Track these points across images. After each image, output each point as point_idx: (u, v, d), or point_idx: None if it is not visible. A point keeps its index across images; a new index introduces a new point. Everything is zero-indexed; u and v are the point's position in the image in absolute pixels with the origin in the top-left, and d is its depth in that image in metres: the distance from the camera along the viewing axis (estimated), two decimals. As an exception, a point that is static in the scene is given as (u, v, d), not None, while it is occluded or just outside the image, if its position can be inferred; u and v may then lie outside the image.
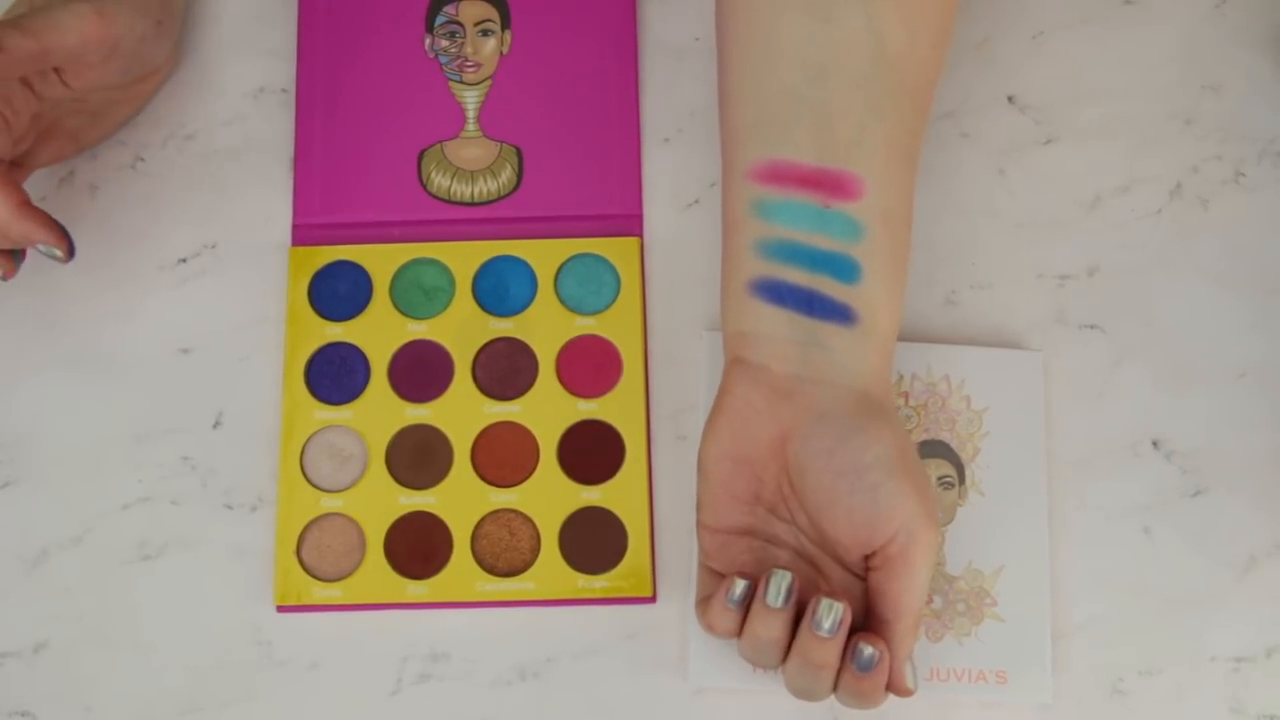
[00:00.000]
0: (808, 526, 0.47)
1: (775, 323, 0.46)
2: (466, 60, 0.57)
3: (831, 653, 0.44)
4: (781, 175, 0.47)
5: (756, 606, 0.45)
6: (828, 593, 0.45)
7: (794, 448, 0.46)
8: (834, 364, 0.46)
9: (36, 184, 0.57)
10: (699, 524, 0.48)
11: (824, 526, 0.46)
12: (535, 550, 0.52)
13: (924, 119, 0.49)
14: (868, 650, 0.44)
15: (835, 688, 0.46)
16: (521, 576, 0.52)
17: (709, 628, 0.47)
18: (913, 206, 0.49)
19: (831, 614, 0.44)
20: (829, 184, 0.47)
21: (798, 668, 0.45)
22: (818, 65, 0.47)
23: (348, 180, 0.55)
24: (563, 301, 0.55)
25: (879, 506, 0.44)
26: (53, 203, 0.56)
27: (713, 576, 0.48)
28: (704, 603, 0.47)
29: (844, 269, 0.46)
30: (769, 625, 0.45)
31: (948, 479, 0.52)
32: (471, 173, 0.56)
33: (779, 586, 0.45)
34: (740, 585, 0.46)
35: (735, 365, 0.47)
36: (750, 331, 0.47)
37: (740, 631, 0.46)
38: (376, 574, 0.52)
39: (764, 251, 0.47)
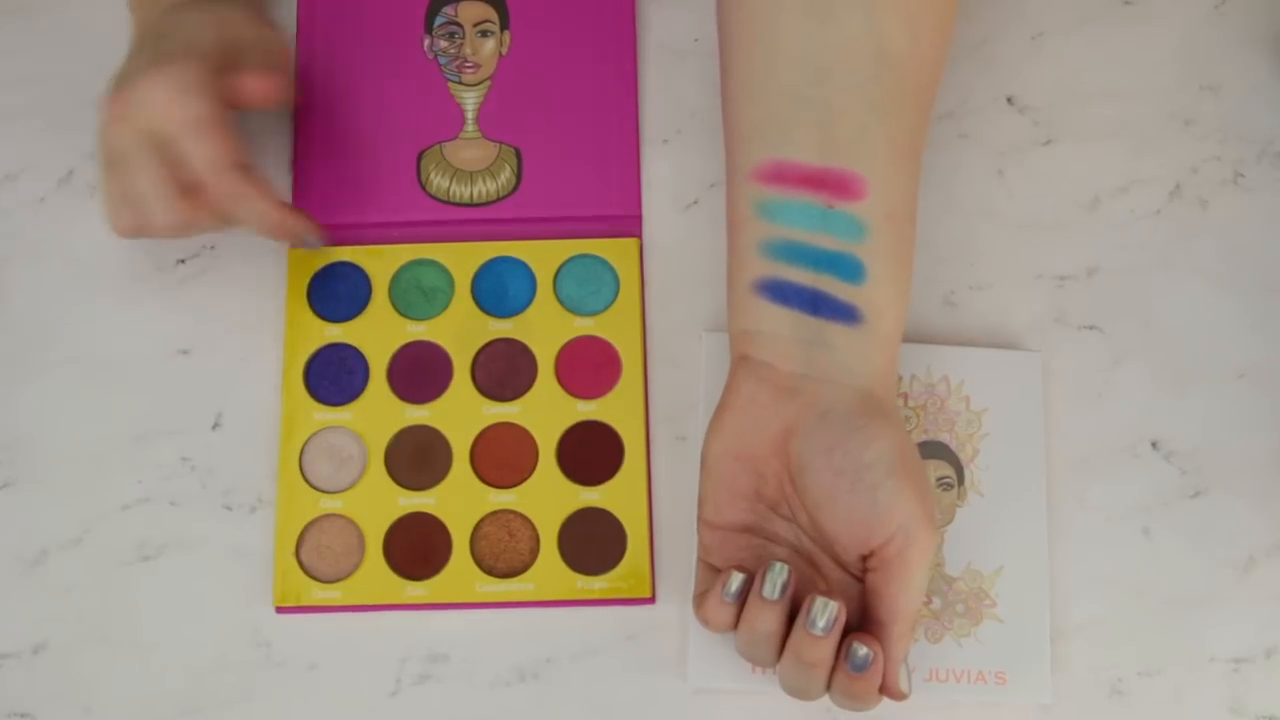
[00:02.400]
0: (808, 525, 0.47)
1: (780, 322, 0.47)
2: (465, 61, 0.57)
3: (825, 651, 0.45)
4: (784, 176, 0.47)
5: (752, 599, 0.45)
6: (824, 592, 0.46)
7: (796, 445, 0.46)
8: (838, 363, 0.46)
9: (35, 183, 0.57)
10: (700, 519, 0.48)
11: (823, 525, 0.46)
12: (534, 551, 0.52)
13: (926, 118, 0.50)
14: (862, 651, 0.45)
15: (829, 688, 0.46)
16: (521, 577, 0.52)
17: (706, 621, 0.47)
18: (917, 205, 0.49)
19: (826, 612, 0.44)
20: (832, 184, 0.47)
21: (792, 665, 0.45)
22: (819, 66, 0.47)
23: (347, 181, 0.55)
24: (562, 302, 0.55)
25: (878, 506, 0.45)
26: (53, 203, 0.57)
27: (712, 572, 0.48)
28: (702, 597, 0.47)
29: (848, 269, 0.47)
30: (764, 618, 0.45)
31: (947, 480, 0.52)
32: (470, 173, 0.56)
33: (775, 579, 0.45)
34: (737, 579, 0.46)
35: (740, 363, 0.47)
36: (755, 330, 0.47)
37: (736, 626, 0.46)
38: (376, 575, 0.52)
39: (768, 251, 0.47)
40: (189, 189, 0.50)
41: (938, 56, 0.50)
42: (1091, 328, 0.55)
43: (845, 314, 0.46)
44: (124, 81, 0.49)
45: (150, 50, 0.50)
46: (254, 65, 0.52)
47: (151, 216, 0.50)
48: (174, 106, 0.48)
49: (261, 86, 0.51)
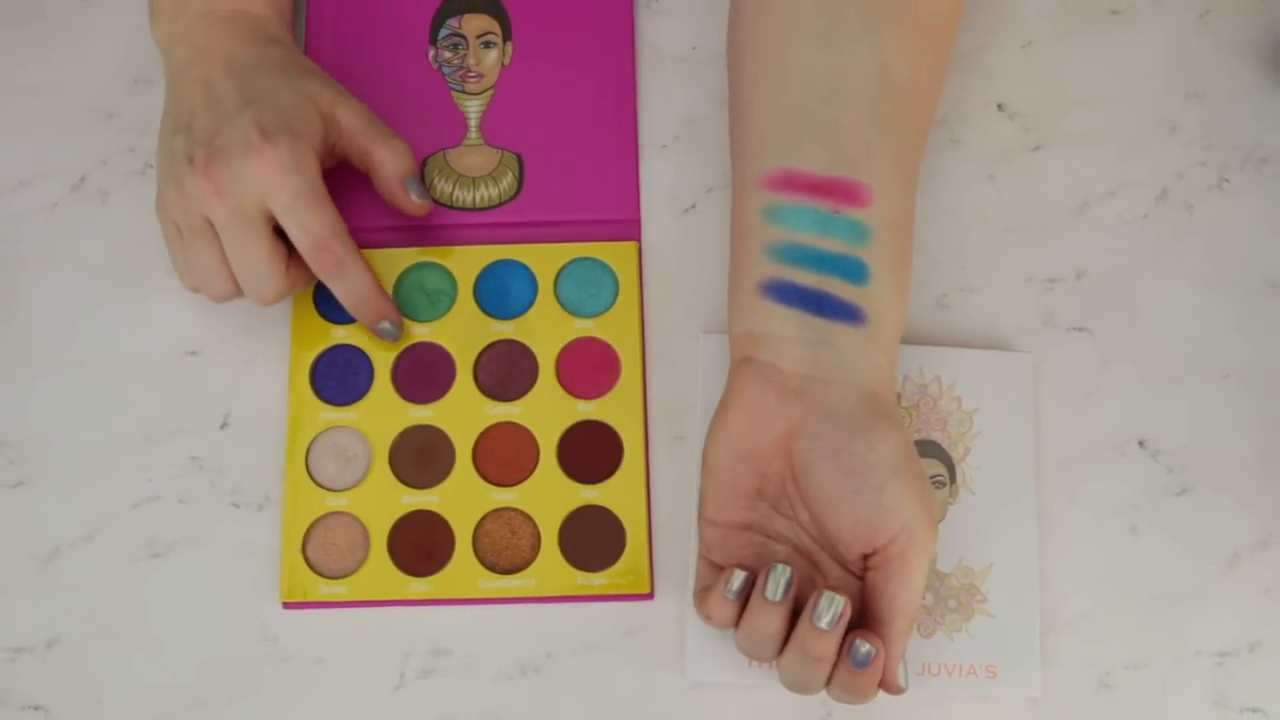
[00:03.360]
0: (809, 524, 0.48)
1: (785, 323, 0.47)
2: (469, 71, 0.58)
3: (829, 646, 0.45)
4: (792, 183, 0.48)
5: (755, 599, 0.46)
6: (827, 588, 0.46)
7: (801, 446, 0.46)
8: (842, 364, 0.47)
9: (47, 189, 0.57)
10: (701, 517, 0.48)
11: (826, 524, 0.46)
12: (535, 548, 0.53)
13: (924, 138, 0.51)
14: (864, 647, 0.45)
15: (829, 682, 0.46)
16: (522, 574, 0.53)
17: (708, 617, 0.47)
18: (914, 219, 0.50)
19: (832, 607, 0.45)
20: (840, 191, 0.47)
21: (795, 659, 0.46)
22: (828, 87, 0.48)
23: (353, 186, 0.56)
24: (562, 304, 0.55)
25: (882, 507, 0.45)
26: (65, 208, 0.57)
27: (712, 569, 0.48)
28: (703, 593, 0.48)
29: (853, 270, 0.47)
30: (766, 619, 0.46)
31: (939, 478, 0.53)
32: (473, 179, 0.57)
33: (778, 581, 0.46)
34: (739, 577, 0.46)
35: (744, 364, 0.48)
36: (760, 331, 0.47)
37: (737, 623, 0.47)
38: (380, 571, 0.53)
39: (774, 254, 0.48)
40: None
41: (935, 87, 0.51)
42: (1080, 329, 0.55)
43: (849, 314, 0.47)
44: (215, 155, 0.49)
45: (229, 116, 0.50)
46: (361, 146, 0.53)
47: (261, 287, 0.51)
48: (286, 182, 0.49)
49: (418, 208, 0.54)
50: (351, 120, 0.53)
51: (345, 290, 0.52)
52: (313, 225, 0.50)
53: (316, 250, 0.50)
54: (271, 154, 0.49)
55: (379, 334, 0.54)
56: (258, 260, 0.50)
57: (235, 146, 0.49)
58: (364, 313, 0.53)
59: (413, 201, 0.53)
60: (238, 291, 0.52)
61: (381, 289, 0.53)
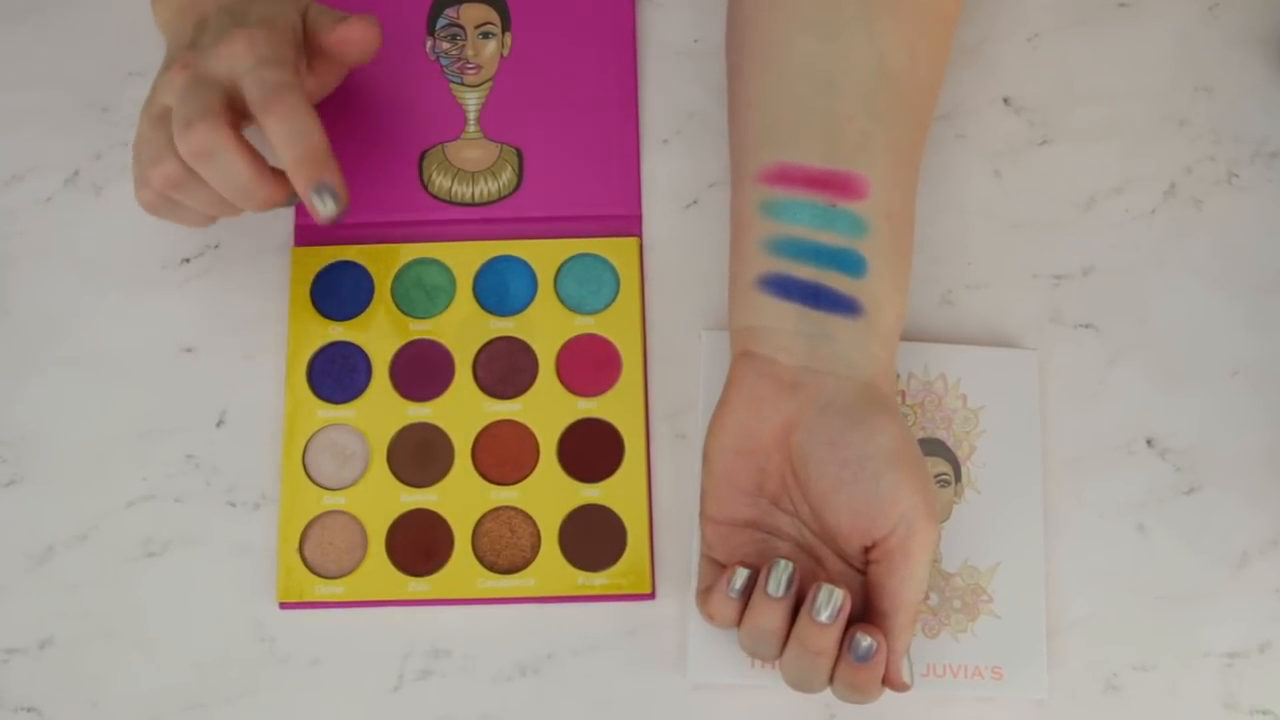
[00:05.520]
0: (809, 518, 0.47)
1: (782, 316, 0.47)
2: (467, 63, 0.58)
3: (829, 640, 0.45)
4: (790, 176, 0.48)
5: (757, 596, 0.46)
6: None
7: (798, 438, 0.46)
8: (839, 355, 0.47)
9: (41, 183, 0.57)
10: (702, 515, 0.48)
11: (825, 517, 0.46)
12: (535, 548, 0.53)
13: (925, 130, 0.51)
14: (865, 641, 0.45)
15: (832, 679, 0.46)
16: (522, 573, 0.52)
17: (710, 617, 0.47)
18: (914, 210, 0.50)
19: (831, 601, 0.45)
20: (836, 184, 0.48)
21: (795, 655, 0.46)
22: (825, 78, 0.48)
23: (349, 181, 0.55)
24: (562, 301, 0.55)
25: (880, 497, 0.45)
26: (58, 202, 0.57)
27: (715, 567, 0.48)
28: (706, 593, 0.48)
29: (850, 263, 0.47)
30: (769, 615, 0.45)
31: (944, 477, 0.53)
32: (472, 174, 0.56)
33: (780, 576, 0.45)
34: (742, 575, 0.46)
35: (743, 359, 0.48)
36: (758, 325, 0.48)
37: (740, 621, 0.47)
38: (378, 571, 0.52)
39: (772, 248, 0.48)
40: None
41: (936, 76, 0.51)
42: (1087, 326, 0.55)
43: (846, 306, 0.47)
44: (192, 48, 0.48)
45: (215, 27, 0.49)
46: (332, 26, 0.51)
47: (195, 125, 0.46)
48: (253, 51, 0.47)
49: (360, 34, 0.51)
50: (314, 13, 0.51)
51: (290, 136, 0.47)
52: (270, 79, 0.47)
53: (269, 97, 0.47)
54: (244, 34, 0.48)
55: (315, 206, 0.48)
56: (200, 103, 0.46)
57: (210, 41, 0.48)
58: (304, 165, 0.47)
59: (346, 31, 0.51)
60: (181, 169, 0.47)
61: (329, 150, 0.48)
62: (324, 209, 0.48)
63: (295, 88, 0.47)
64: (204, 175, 0.47)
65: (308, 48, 0.51)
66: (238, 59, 0.48)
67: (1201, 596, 0.52)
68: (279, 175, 0.48)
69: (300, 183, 0.47)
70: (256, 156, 0.47)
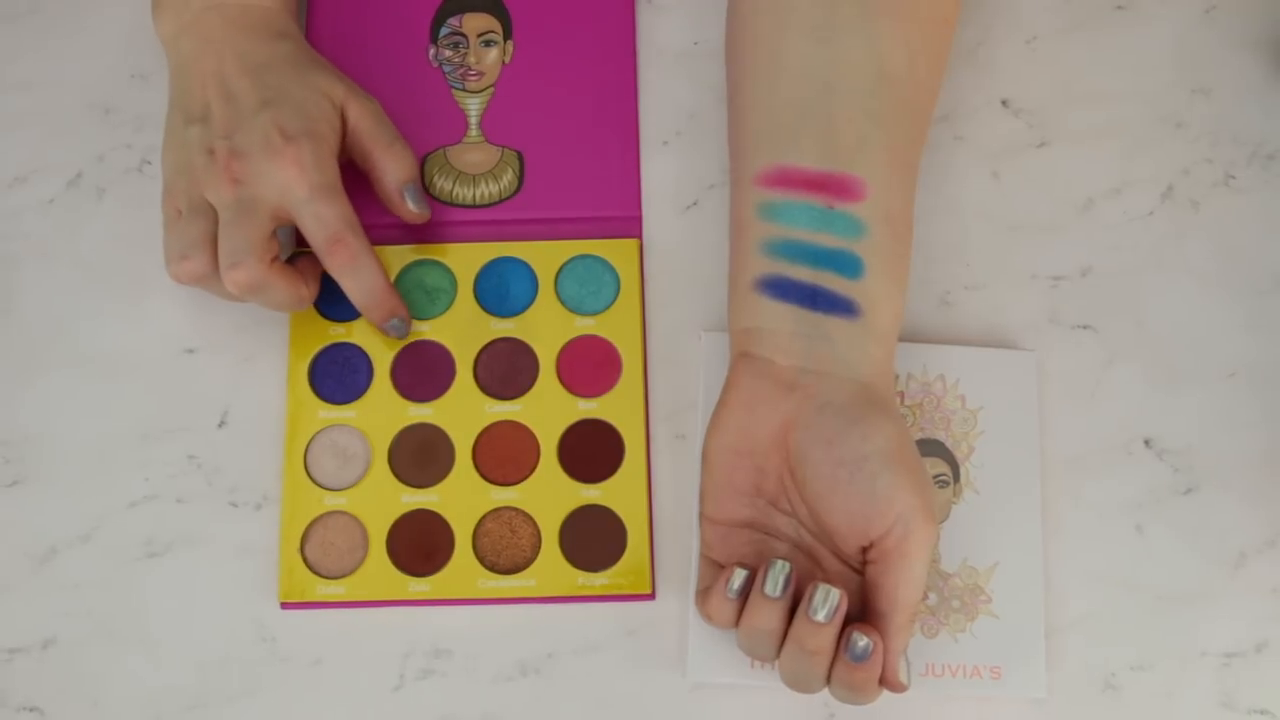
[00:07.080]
0: (807, 519, 0.48)
1: (780, 317, 0.47)
2: (469, 69, 0.58)
3: (826, 639, 0.45)
4: (788, 179, 0.48)
5: (754, 596, 0.46)
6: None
7: (796, 438, 0.46)
8: (837, 356, 0.47)
9: (44, 185, 0.57)
10: (701, 515, 0.49)
11: (823, 517, 0.46)
12: (536, 548, 0.53)
13: (923, 132, 0.51)
14: (862, 641, 0.45)
15: (829, 679, 0.46)
16: (522, 574, 0.52)
17: (709, 618, 0.47)
18: (913, 211, 0.50)
19: (828, 600, 0.45)
20: (834, 186, 0.48)
21: (792, 654, 0.46)
22: (822, 81, 0.48)
23: (351, 183, 0.56)
24: (563, 302, 0.55)
25: (876, 497, 0.45)
26: (62, 205, 0.57)
27: (713, 568, 0.48)
28: (704, 593, 0.48)
29: (847, 264, 0.47)
30: (766, 615, 0.46)
31: (943, 477, 0.53)
32: (473, 176, 0.56)
33: (777, 576, 0.46)
34: (740, 576, 0.46)
35: (741, 360, 0.48)
36: (756, 327, 0.48)
37: (738, 622, 0.47)
38: (379, 571, 0.52)
39: (769, 250, 0.48)
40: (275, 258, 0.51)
41: (934, 77, 0.51)
42: (1085, 327, 0.55)
43: (843, 307, 0.47)
44: (237, 151, 0.50)
45: (250, 115, 0.50)
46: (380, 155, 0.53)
47: (238, 257, 0.49)
48: (305, 178, 0.50)
49: (413, 217, 0.54)
50: (359, 120, 0.53)
51: (357, 286, 0.52)
52: (329, 218, 0.50)
53: (331, 243, 0.50)
54: (293, 153, 0.50)
55: (387, 331, 0.54)
56: (247, 237, 0.49)
57: (257, 147, 0.50)
58: (374, 309, 0.52)
59: (409, 210, 0.54)
60: (212, 267, 0.50)
61: (392, 286, 0.53)
62: (395, 334, 0.54)
63: (353, 224, 0.51)
64: (250, 301, 0.51)
65: (353, 153, 0.54)
66: (290, 188, 0.50)
67: (1199, 596, 0.52)
68: (317, 280, 0.53)
69: (373, 321, 0.53)
70: (300, 282, 0.52)
